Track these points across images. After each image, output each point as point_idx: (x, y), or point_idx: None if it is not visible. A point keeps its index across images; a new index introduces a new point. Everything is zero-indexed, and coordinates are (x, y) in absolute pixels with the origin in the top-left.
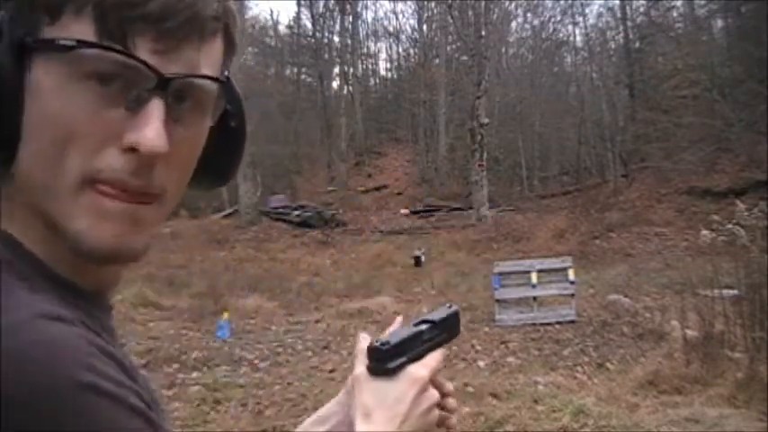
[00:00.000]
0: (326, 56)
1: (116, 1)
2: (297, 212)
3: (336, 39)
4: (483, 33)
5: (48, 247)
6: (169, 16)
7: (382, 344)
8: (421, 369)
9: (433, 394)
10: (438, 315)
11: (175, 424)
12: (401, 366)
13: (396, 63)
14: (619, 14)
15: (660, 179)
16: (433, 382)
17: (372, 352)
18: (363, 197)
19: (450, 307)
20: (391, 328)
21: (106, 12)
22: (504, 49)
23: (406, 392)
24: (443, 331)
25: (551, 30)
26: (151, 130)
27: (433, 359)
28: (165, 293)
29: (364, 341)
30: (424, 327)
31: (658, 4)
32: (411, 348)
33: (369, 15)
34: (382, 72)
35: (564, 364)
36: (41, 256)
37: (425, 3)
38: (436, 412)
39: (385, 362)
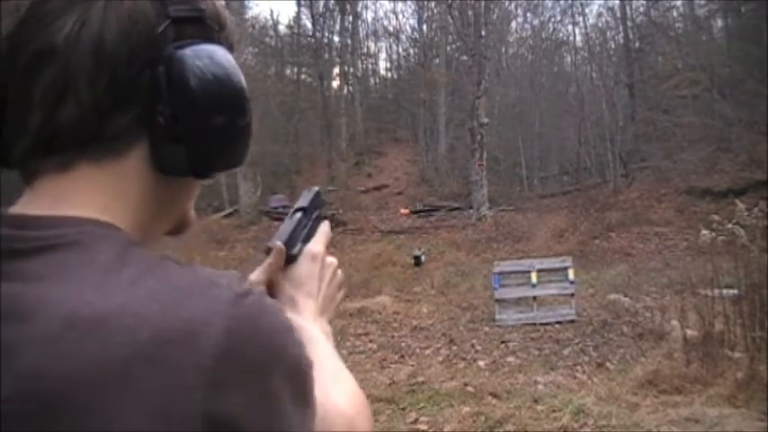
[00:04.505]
0: (326, 56)
1: None
2: None
3: (336, 39)
4: (483, 33)
5: None
6: None
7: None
8: (315, 246)
9: (332, 261)
10: (305, 201)
11: None
12: (300, 250)
13: (396, 63)
14: (619, 14)
15: (660, 179)
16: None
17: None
18: (363, 197)
19: (310, 190)
20: (278, 230)
21: None
22: (504, 49)
23: (313, 269)
24: (315, 210)
25: (551, 30)
26: None
27: (321, 234)
28: None
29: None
30: (299, 215)
31: (658, 4)
32: (300, 235)
33: (369, 15)
34: (382, 72)
35: (564, 364)
36: None
37: (425, 3)
38: (340, 274)
39: (287, 251)
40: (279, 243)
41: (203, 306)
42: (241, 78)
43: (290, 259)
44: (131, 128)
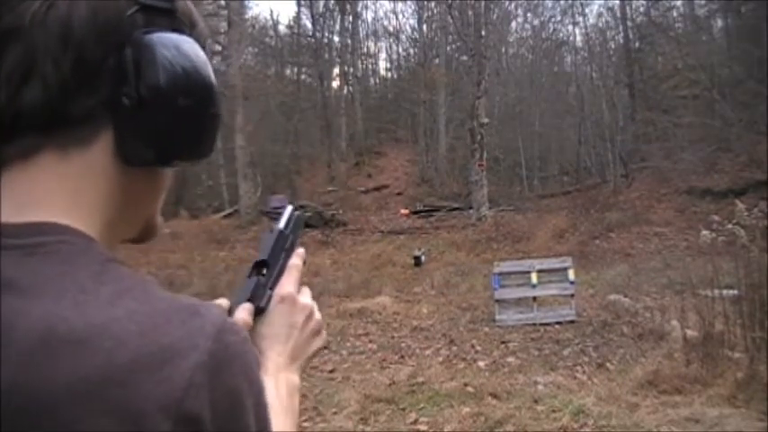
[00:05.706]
0: (326, 56)
1: None
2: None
3: (336, 39)
4: (483, 33)
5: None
6: None
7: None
8: (283, 287)
9: (306, 304)
10: (265, 250)
11: None
12: (269, 297)
13: (396, 63)
14: (619, 14)
15: (660, 179)
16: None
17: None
18: (363, 197)
19: (272, 230)
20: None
21: None
22: (504, 49)
23: (282, 311)
24: (281, 251)
25: (551, 30)
26: None
27: (292, 269)
28: None
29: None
30: (263, 267)
31: (658, 4)
32: (267, 285)
33: (369, 15)
34: (382, 72)
35: (564, 364)
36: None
37: (425, 3)
38: (316, 319)
39: (255, 303)
40: (247, 305)
41: (183, 335)
42: (209, 71)
43: (259, 311)
44: (97, 112)
